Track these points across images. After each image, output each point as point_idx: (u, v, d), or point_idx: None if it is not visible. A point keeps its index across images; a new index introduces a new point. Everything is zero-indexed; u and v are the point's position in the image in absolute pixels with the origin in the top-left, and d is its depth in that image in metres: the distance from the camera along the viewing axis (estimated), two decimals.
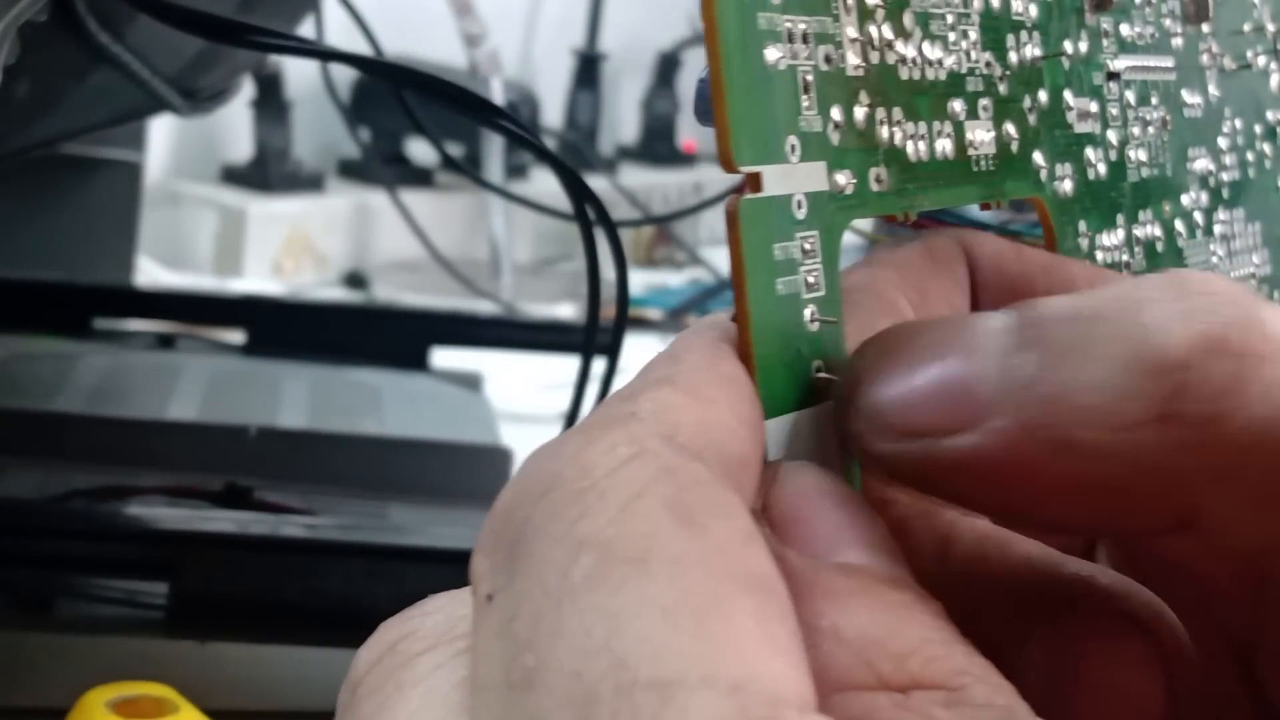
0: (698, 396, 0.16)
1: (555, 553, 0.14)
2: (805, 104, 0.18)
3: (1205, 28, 0.28)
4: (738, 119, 0.17)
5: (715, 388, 0.16)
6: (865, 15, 0.19)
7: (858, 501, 0.17)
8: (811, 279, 0.18)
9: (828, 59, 0.19)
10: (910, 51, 0.20)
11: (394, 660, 0.16)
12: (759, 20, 0.18)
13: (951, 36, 0.21)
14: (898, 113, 0.20)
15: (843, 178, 0.19)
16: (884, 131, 0.20)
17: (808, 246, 0.18)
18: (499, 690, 0.14)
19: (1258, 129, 0.30)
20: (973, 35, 0.22)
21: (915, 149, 0.20)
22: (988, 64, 0.22)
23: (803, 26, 0.18)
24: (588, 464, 0.15)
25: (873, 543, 0.16)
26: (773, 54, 0.18)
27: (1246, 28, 0.29)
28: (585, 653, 0.13)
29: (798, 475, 0.17)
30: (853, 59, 0.19)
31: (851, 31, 0.19)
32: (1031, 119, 0.23)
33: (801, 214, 0.18)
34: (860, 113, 0.19)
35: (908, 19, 0.20)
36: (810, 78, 0.18)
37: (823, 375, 0.18)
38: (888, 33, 0.20)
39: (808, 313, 0.18)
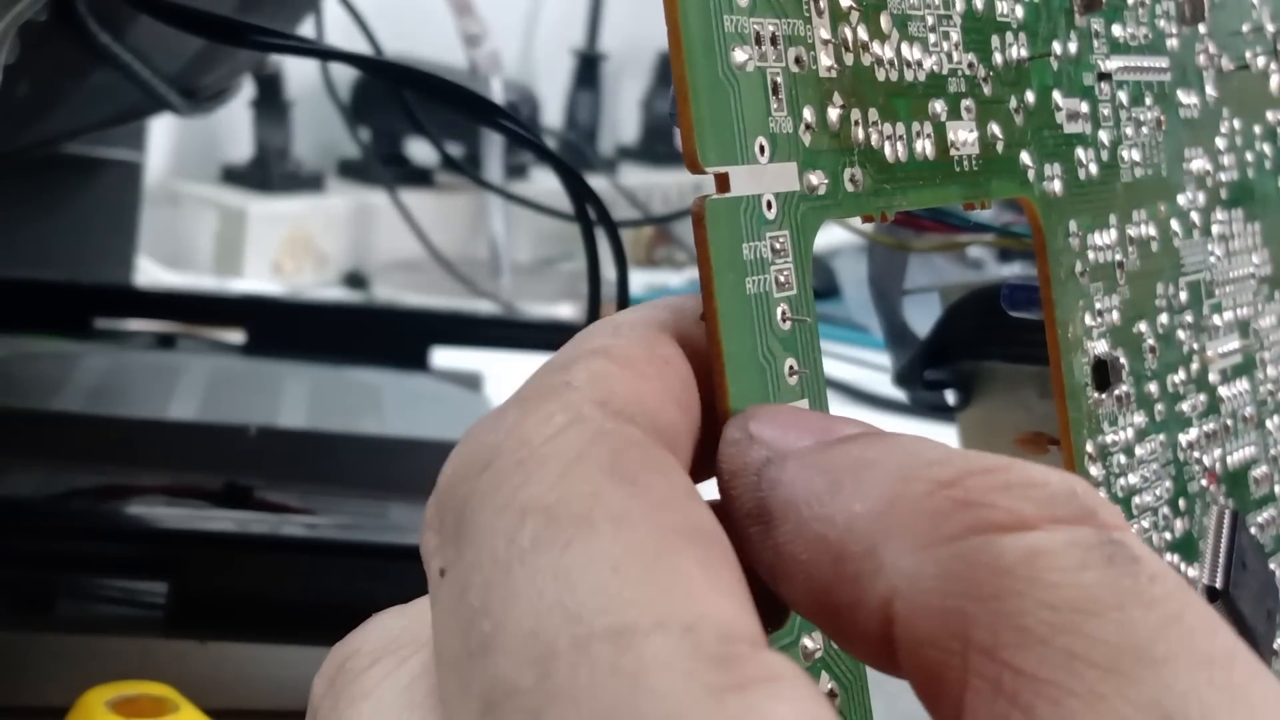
0: (632, 369, 0.16)
1: (501, 521, 0.14)
2: (774, 105, 0.18)
3: (1201, 28, 0.28)
4: (702, 120, 0.17)
5: (650, 365, 0.16)
6: (839, 17, 0.19)
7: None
8: (782, 278, 0.18)
9: (798, 61, 0.19)
10: (887, 53, 0.20)
11: (344, 679, 0.16)
12: (725, 23, 0.18)
13: (932, 38, 0.21)
14: (874, 114, 0.20)
15: (815, 178, 0.19)
16: (859, 132, 0.20)
17: (778, 246, 0.18)
18: (459, 660, 0.14)
19: (1257, 129, 0.30)
20: (954, 37, 0.22)
21: (893, 150, 0.20)
22: (970, 65, 0.22)
23: (771, 29, 0.18)
24: (526, 434, 0.15)
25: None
26: (740, 56, 0.18)
27: (1245, 28, 0.29)
28: (539, 612, 0.14)
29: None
30: (825, 60, 0.19)
31: (824, 34, 0.19)
32: (1018, 119, 0.23)
33: (772, 214, 0.18)
34: (834, 114, 0.19)
35: (884, 21, 0.20)
36: (780, 79, 0.18)
37: (795, 373, 0.18)
38: (863, 34, 0.20)
39: (779, 311, 0.18)
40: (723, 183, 0.17)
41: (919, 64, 0.21)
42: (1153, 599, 0.14)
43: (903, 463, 0.15)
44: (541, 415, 0.15)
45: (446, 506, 0.15)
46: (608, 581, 0.14)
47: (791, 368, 0.18)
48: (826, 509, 0.15)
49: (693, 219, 0.17)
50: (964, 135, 0.22)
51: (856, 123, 0.20)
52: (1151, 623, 0.14)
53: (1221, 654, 0.14)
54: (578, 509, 0.14)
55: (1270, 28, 0.30)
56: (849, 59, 0.20)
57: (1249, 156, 0.29)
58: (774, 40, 0.18)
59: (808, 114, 0.19)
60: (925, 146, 0.21)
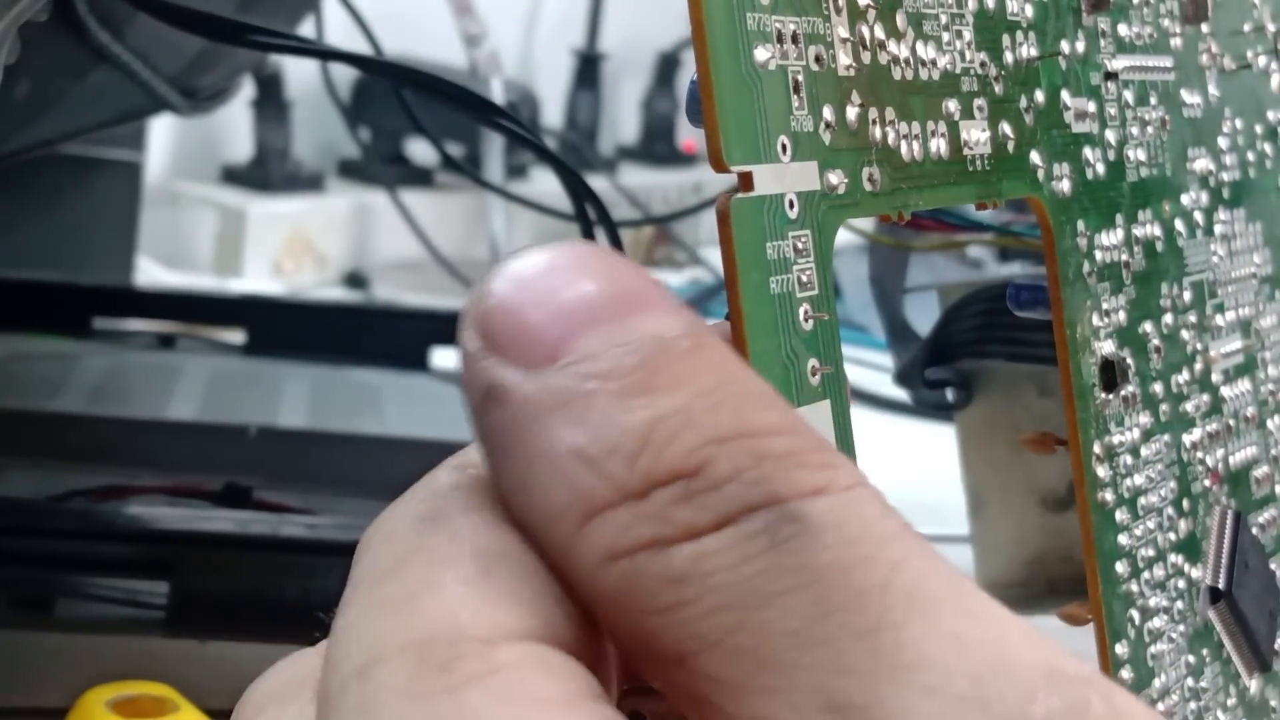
0: None
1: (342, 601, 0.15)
2: (796, 104, 0.18)
3: (1204, 28, 0.28)
4: (727, 119, 0.17)
5: None
6: (856, 15, 0.19)
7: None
8: (805, 278, 0.18)
9: (818, 59, 0.19)
10: (903, 51, 0.20)
11: None
12: (748, 21, 0.18)
13: (945, 37, 0.21)
14: (890, 113, 0.20)
15: (835, 177, 0.19)
16: (876, 131, 0.20)
17: (800, 245, 0.18)
18: None
19: (1258, 129, 0.30)
20: (967, 35, 0.22)
21: (909, 149, 0.20)
22: (982, 64, 0.22)
23: (792, 27, 0.18)
24: (383, 519, 0.15)
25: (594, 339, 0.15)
26: (762, 54, 0.18)
27: (1247, 28, 0.30)
28: (332, 666, 0.14)
29: (509, 280, 0.15)
30: (844, 59, 0.19)
31: (842, 32, 0.19)
32: (1028, 119, 0.23)
33: (794, 213, 0.18)
34: (852, 112, 0.19)
35: (900, 19, 0.20)
36: (801, 78, 0.18)
37: (817, 372, 0.18)
38: (879, 33, 0.20)
39: (801, 311, 0.18)
40: (746, 182, 0.17)
41: (933, 63, 0.21)
42: (815, 575, 0.13)
43: (597, 449, 0.14)
44: (408, 498, 0.16)
45: None
46: (374, 622, 0.14)
47: (813, 367, 0.18)
48: (525, 483, 0.14)
49: (718, 217, 0.17)
50: (977, 135, 0.22)
51: (874, 122, 0.20)
52: (811, 601, 0.13)
53: (886, 613, 0.13)
54: (379, 568, 0.15)
55: (1271, 27, 0.30)
56: (866, 57, 0.20)
57: (1250, 156, 0.30)
58: (795, 38, 0.18)
59: (828, 113, 0.19)
60: (940, 146, 0.21)
